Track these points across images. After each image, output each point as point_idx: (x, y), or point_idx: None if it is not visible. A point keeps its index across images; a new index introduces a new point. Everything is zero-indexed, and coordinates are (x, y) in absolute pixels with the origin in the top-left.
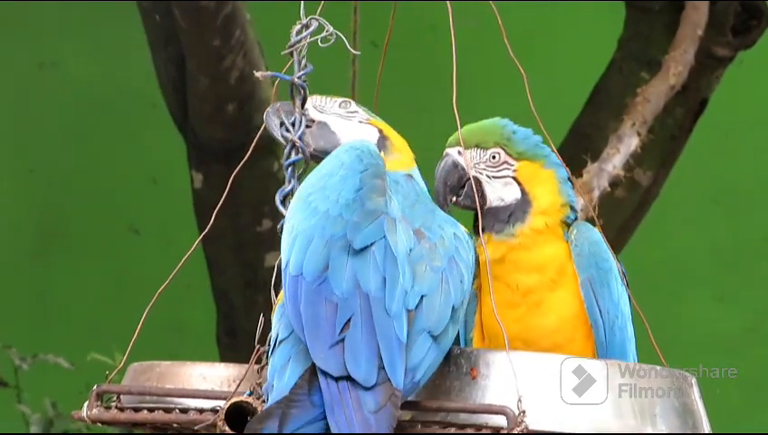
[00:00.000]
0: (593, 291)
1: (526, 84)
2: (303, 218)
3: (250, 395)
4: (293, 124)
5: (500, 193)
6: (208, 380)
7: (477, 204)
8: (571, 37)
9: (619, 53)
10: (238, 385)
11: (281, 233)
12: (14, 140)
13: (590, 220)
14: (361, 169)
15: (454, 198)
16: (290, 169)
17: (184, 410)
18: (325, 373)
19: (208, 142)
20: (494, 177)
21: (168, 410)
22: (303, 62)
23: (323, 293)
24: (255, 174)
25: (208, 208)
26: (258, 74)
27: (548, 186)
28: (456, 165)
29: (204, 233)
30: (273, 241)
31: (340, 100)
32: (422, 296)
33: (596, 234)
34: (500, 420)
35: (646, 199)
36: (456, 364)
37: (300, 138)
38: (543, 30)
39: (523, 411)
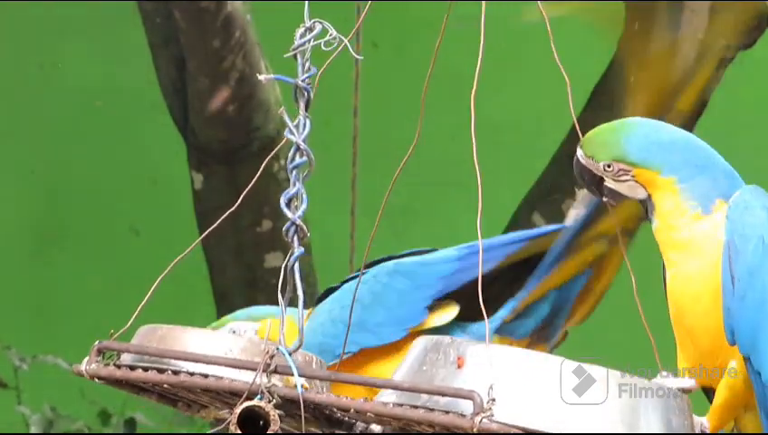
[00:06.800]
0: (729, 254)
1: (569, 91)
2: None
3: (261, 399)
4: (297, 127)
5: (631, 193)
6: (207, 347)
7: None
8: (571, 37)
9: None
10: (246, 394)
11: (286, 236)
12: (14, 140)
13: None
14: None
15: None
16: (294, 171)
17: (176, 372)
18: None
19: (208, 143)
20: (618, 180)
21: (160, 371)
22: (307, 64)
23: None
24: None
25: (209, 209)
26: (261, 77)
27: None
28: (583, 166)
29: (205, 234)
30: (273, 242)
31: None
32: None
33: (754, 200)
34: (469, 406)
35: None
36: (445, 353)
37: (304, 140)
38: (543, 30)
39: (493, 399)
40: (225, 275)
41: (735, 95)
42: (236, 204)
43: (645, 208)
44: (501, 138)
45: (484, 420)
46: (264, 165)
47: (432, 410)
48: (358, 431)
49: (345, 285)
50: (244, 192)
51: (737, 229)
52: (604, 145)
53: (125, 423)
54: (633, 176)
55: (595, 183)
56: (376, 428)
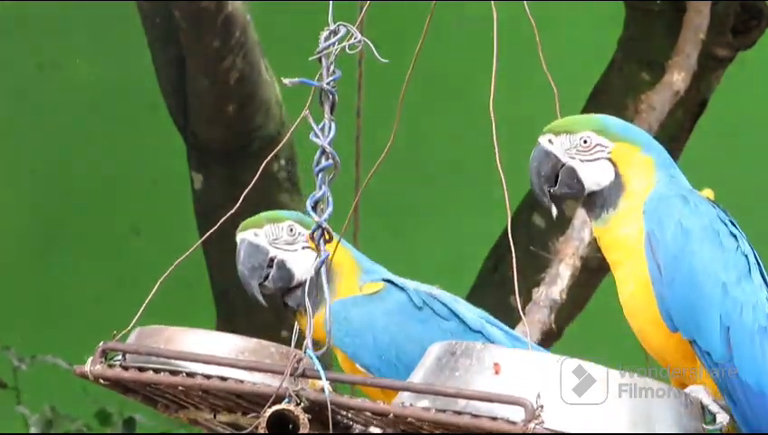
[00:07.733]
0: (651, 244)
1: (557, 98)
2: None
3: (289, 403)
4: (323, 130)
5: (596, 177)
6: (217, 349)
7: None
8: (571, 37)
9: (619, 53)
10: (274, 397)
11: (313, 239)
12: (15, 140)
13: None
14: None
15: (550, 189)
16: (320, 174)
17: (191, 375)
18: None
19: (208, 143)
20: (587, 160)
21: (174, 373)
22: (332, 67)
23: None
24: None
25: (208, 209)
26: (286, 81)
27: (643, 169)
28: (546, 153)
29: (208, 234)
30: None
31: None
32: None
33: (671, 191)
34: (517, 412)
35: None
36: (479, 359)
37: (329, 143)
38: (543, 30)
39: (542, 406)
40: (224, 274)
41: (735, 95)
42: (236, 206)
43: (591, 204)
44: (501, 137)
45: (537, 427)
46: (264, 165)
47: (477, 416)
48: (356, 433)
49: (427, 317)
50: (244, 194)
51: (654, 219)
52: (582, 120)
53: (124, 423)
54: (609, 152)
55: (551, 177)
56: (375, 430)
